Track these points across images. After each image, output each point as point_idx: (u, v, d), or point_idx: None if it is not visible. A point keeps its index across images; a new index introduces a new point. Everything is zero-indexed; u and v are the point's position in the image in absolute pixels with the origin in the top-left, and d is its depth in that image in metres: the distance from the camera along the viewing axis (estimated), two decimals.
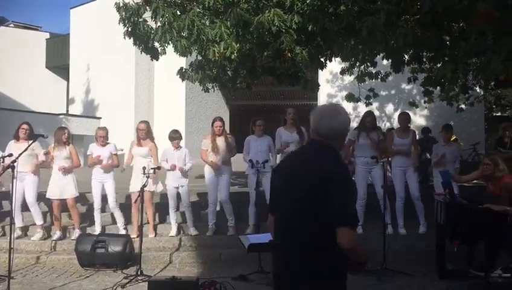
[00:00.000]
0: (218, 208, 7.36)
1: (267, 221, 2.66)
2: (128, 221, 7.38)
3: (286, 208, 2.38)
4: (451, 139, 7.81)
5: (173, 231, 7.22)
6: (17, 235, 7.18)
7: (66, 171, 7.05)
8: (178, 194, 7.20)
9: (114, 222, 7.49)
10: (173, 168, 7.05)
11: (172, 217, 7.25)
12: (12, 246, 5.09)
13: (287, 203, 2.37)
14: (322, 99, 17.80)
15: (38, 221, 7.17)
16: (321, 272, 2.29)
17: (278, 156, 7.36)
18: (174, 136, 7.22)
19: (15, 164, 5.40)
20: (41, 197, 7.51)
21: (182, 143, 7.48)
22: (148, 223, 7.20)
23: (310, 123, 2.46)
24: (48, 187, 7.14)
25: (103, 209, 7.42)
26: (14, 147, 6.80)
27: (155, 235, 7.18)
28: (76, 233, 7.10)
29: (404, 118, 7.34)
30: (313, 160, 2.33)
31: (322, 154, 2.36)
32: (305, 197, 2.27)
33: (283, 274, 2.40)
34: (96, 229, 7.16)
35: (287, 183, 2.40)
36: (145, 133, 7.17)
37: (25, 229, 7.41)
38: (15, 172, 5.39)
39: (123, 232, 7.08)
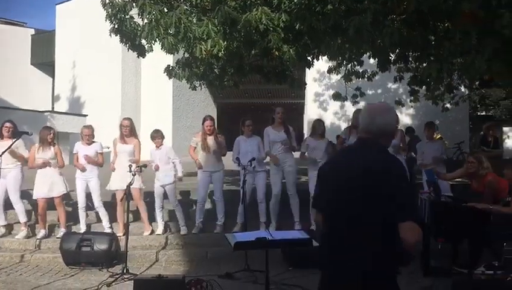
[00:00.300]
0: (207, 206, 7.36)
1: (315, 216, 2.69)
2: (113, 219, 7.33)
3: (342, 205, 2.41)
4: (437, 137, 7.90)
5: (159, 229, 7.19)
6: (1, 233, 7.12)
7: (46, 165, 6.96)
8: (164, 193, 7.18)
9: (99, 220, 7.43)
10: (156, 168, 7.05)
11: (159, 215, 7.23)
12: None
13: (343, 200, 2.39)
14: (309, 98, 17.89)
15: (22, 218, 7.10)
16: (377, 267, 2.32)
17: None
18: (155, 135, 7.21)
19: None
20: (25, 194, 7.44)
21: (169, 141, 7.46)
22: (141, 220, 7.18)
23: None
24: (34, 186, 7.06)
25: (89, 208, 7.36)
26: None
27: (151, 233, 7.14)
28: (61, 232, 7.04)
29: None
30: (371, 159, 2.37)
31: (376, 152, 2.41)
32: (365, 194, 2.29)
33: (337, 269, 2.45)
34: (81, 228, 7.11)
35: (343, 182, 2.42)
36: (129, 130, 7.13)
37: (9, 228, 7.34)
38: None
39: (108, 231, 7.03)
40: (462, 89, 13.14)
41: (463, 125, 17.07)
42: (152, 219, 7.49)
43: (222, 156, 7.30)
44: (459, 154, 14.37)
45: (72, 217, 7.53)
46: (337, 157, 2.80)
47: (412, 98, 11.94)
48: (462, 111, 16.36)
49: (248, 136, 7.27)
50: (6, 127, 7.02)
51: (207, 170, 7.17)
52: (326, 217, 2.54)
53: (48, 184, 6.99)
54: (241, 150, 7.17)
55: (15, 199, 7.06)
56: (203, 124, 7.20)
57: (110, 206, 7.41)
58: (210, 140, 7.13)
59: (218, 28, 6.12)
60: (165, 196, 7.23)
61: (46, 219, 7.17)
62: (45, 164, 6.97)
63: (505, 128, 18.39)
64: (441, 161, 7.16)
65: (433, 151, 7.23)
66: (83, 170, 7.04)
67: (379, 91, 16.73)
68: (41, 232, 7.09)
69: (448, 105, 12.83)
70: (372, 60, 8.57)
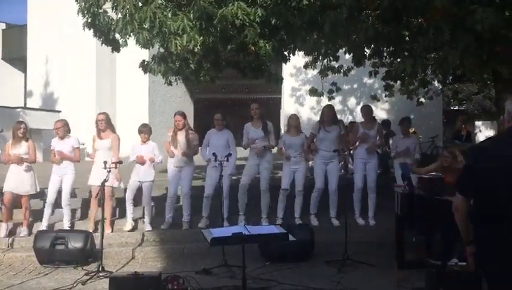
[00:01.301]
0: (181, 203, 7.32)
1: (457, 201, 2.77)
2: (83, 217, 7.21)
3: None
4: (411, 132, 8.02)
5: (128, 225, 7.09)
6: None
7: (18, 161, 6.82)
8: (139, 189, 7.10)
9: (73, 218, 7.33)
10: (139, 160, 6.95)
11: (129, 211, 7.12)
12: None
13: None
14: (286, 92, 17.93)
15: None
16: None
17: (247, 151, 7.38)
18: (142, 129, 7.14)
19: None
20: None
21: None
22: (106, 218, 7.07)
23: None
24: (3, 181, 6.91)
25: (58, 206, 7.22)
26: None
27: (111, 231, 7.04)
28: (24, 231, 6.91)
29: (367, 111, 7.48)
30: None
31: None
32: None
33: None
34: (43, 225, 6.94)
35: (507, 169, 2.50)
36: (104, 124, 7.02)
37: None
38: None
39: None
40: (436, 83, 13.34)
41: (437, 120, 17.37)
42: (125, 215, 7.41)
43: (194, 154, 7.25)
44: (433, 148, 14.62)
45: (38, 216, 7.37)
46: (490, 147, 2.81)
47: (387, 92, 12.07)
48: (436, 105, 16.64)
49: (219, 130, 7.24)
50: None
51: (176, 165, 7.12)
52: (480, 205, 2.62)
53: (17, 180, 6.85)
54: (212, 143, 7.16)
55: None
56: (174, 119, 7.16)
57: (86, 203, 7.30)
58: (180, 135, 7.09)
59: (194, 22, 6.09)
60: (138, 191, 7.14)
61: (11, 214, 6.99)
62: (18, 161, 6.82)
63: (477, 123, 18.79)
64: (403, 155, 7.27)
65: (408, 145, 7.33)
66: (59, 163, 6.90)
67: (355, 86, 16.89)
68: (2, 227, 6.91)
69: (422, 99, 13.02)
70: (347, 55, 8.63)
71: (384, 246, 6.17)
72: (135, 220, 7.29)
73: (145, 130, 7.13)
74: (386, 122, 11.63)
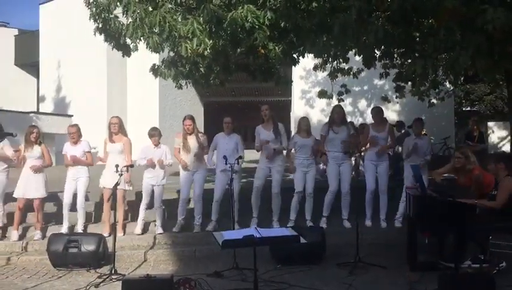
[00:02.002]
0: (191, 205, 7.35)
1: None
2: (97, 220, 7.27)
3: None
4: (422, 133, 7.96)
5: (138, 228, 7.11)
6: None
7: (36, 170, 6.92)
8: (153, 192, 7.15)
9: (87, 220, 7.40)
10: (149, 163, 6.99)
11: (141, 214, 7.16)
12: None
13: None
14: (296, 95, 17.91)
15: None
16: None
17: (253, 153, 7.38)
18: (153, 133, 7.15)
19: None
20: (9, 196, 7.35)
21: None
22: (118, 221, 7.12)
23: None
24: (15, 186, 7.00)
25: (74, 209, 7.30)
26: None
27: (124, 234, 7.08)
28: (37, 234, 6.99)
29: (377, 112, 7.45)
30: None
31: None
32: None
33: None
34: (64, 227, 7.03)
35: None
36: (117, 128, 7.07)
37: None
38: None
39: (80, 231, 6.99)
40: (447, 84, 13.25)
41: (449, 121, 17.22)
42: (135, 218, 7.46)
43: (204, 155, 7.28)
44: (445, 150, 14.51)
45: (59, 217, 7.45)
46: None
47: (398, 94, 12.02)
48: (448, 106, 16.51)
49: (227, 134, 7.26)
50: None
51: (190, 168, 7.14)
52: None
53: (28, 185, 6.93)
54: (220, 147, 7.16)
55: None
56: (183, 123, 7.18)
57: (100, 207, 7.36)
58: (191, 140, 7.11)
59: (204, 26, 6.11)
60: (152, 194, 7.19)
61: (20, 220, 7.08)
62: (33, 168, 6.92)
63: (490, 123, 18.59)
64: (415, 153, 7.23)
65: (420, 147, 7.29)
66: (73, 164, 6.98)
67: (365, 88, 16.82)
68: (12, 234, 6.98)
69: (434, 100, 12.93)
70: (357, 57, 8.62)
71: (395, 248, 6.14)
72: (147, 223, 7.32)
73: (156, 134, 7.15)
74: (402, 124, 11.54)
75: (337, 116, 7.23)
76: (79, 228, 7.10)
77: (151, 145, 7.15)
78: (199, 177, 7.17)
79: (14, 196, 7.05)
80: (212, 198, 7.25)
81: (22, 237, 7.09)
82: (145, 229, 7.22)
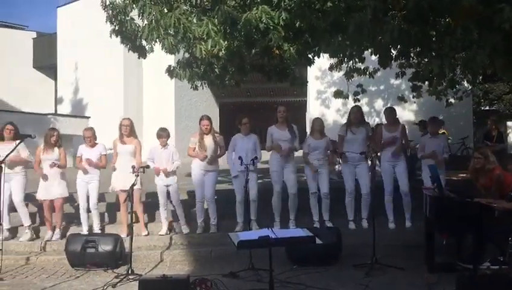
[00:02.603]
0: (206, 206, 7.38)
1: None
2: (112, 221, 7.35)
3: None
4: (440, 132, 7.87)
5: (163, 229, 7.20)
6: (5, 236, 7.14)
7: (53, 166, 7.01)
8: (168, 192, 7.19)
9: (102, 221, 7.50)
10: (156, 172, 7.06)
11: (163, 215, 7.24)
12: (1, 248, 5.08)
13: None
14: (312, 95, 17.87)
15: (26, 222, 7.15)
16: None
17: (269, 153, 7.37)
18: (162, 133, 7.20)
19: (2, 165, 5.38)
20: (29, 197, 7.47)
21: (172, 141, 7.48)
22: (138, 221, 7.19)
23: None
24: (38, 188, 7.12)
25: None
26: None
27: (147, 234, 7.16)
28: (57, 234, 7.11)
29: (389, 113, 7.38)
30: None
31: None
32: None
33: None
34: (83, 229, 7.13)
35: None
36: (129, 130, 7.14)
37: (13, 231, 7.37)
38: (2, 173, 5.35)
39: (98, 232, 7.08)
40: (465, 83, 13.09)
41: (467, 120, 17.01)
42: (152, 219, 7.52)
43: (220, 156, 7.30)
44: (463, 150, 14.32)
45: (76, 218, 7.57)
46: None
47: (415, 93, 11.90)
48: (466, 106, 16.31)
49: (245, 134, 7.26)
50: (8, 129, 7.04)
51: (202, 169, 7.15)
52: None
53: (48, 186, 7.03)
54: (238, 147, 7.16)
55: (18, 202, 7.10)
56: (200, 123, 7.21)
57: (114, 208, 7.44)
58: (207, 140, 7.13)
59: (218, 27, 6.12)
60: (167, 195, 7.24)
61: (51, 220, 7.20)
62: (52, 166, 7.02)
63: (509, 123, 18.29)
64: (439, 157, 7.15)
65: (435, 146, 7.21)
66: (85, 172, 7.07)
67: (381, 87, 16.70)
68: (48, 234, 7.12)
69: (451, 100, 12.78)
70: (373, 57, 8.56)
71: (413, 249, 6.09)
72: (155, 224, 7.40)
73: (164, 134, 7.20)
74: (423, 123, 11.39)
75: (354, 117, 7.19)
76: (95, 228, 7.19)
77: (159, 146, 7.19)
78: (210, 178, 7.18)
79: (37, 198, 7.17)
80: (227, 199, 7.26)
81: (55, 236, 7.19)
82: (150, 232, 7.27)
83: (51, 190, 7.06)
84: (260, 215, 7.24)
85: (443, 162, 7.11)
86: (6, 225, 7.08)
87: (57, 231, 7.15)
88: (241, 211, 7.09)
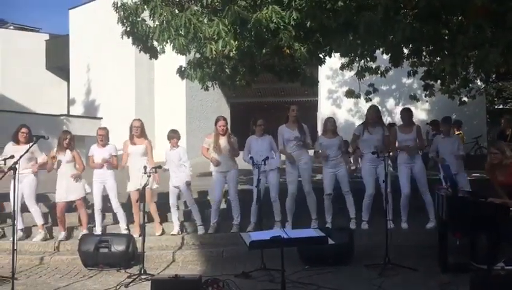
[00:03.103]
0: (222, 206, 7.40)
1: None
2: (130, 221, 7.40)
3: None
4: (455, 133, 7.80)
5: (175, 229, 7.23)
6: (19, 236, 7.22)
7: (77, 177, 7.15)
8: (179, 193, 7.22)
9: (116, 222, 7.55)
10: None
11: (174, 215, 7.27)
12: (15, 248, 5.13)
13: None
14: (323, 95, 17.79)
15: (39, 221, 7.23)
16: None
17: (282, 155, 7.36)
18: (172, 135, 7.25)
19: (17, 166, 5.43)
20: (41, 197, 7.54)
21: (183, 142, 7.52)
22: (153, 221, 7.23)
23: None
24: (51, 189, 7.20)
25: (106, 210, 7.45)
26: (12, 150, 6.75)
27: (162, 233, 7.18)
28: (82, 233, 7.15)
29: (405, 114, 7.32)
30: None
31: None
32: None
33: None
34: (97, 230, 7.20)
35: None
36: (140, 131, 7.19)
37: (27, 231, 7.45)
38: (16, 174, 5.41)
39: (125, 232, 7.10)
40: (479, 82, 12.94)
41: (480, 119, 16.81)
42: (165, 219, 7.55)
43: (235, 156, 7.31)
44: (477, 149, 14.17)
45: (91, 220, 7.62)
46: None
47: (427, 92, 11.79)
48: (479, 105, 16.11)
49: (259, 136, 7.26)
50: (23, 132, 7.14)
51: (221, 170, 7.18)
52: None
53: (66, 187, 7.10)
54: (253, 149, 7.16)
55: (30, 203, 7.19)
56: (216, 124, 7.22)
57: (127, 207, 7.49)
58: (223, 140, 7.15)
59: (229, 27, 6.13)
60: (179, 196, 7.27)
61: (65, 221, 7.27)
62: (74, 176, 7.12)
63: None
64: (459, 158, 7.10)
65: (449, 147, 7.14)
66: (99, 167, 7.13)
67: (393, 86, 16.57)
68: (61, 235, 7.21)
69: (464, 99, 12.65)
70: (385, 56, 8.51)
71: (425, 249, 6.04)
72: (166, 224, 7.42)
73: (174, 136, 7.25)
74: (435, 123, 11.29)
75: (370, 117, 7.16)
76: (122, 229, 7.28)
77: (169, 147, 7.24)
78: (232, 177, 7.20)
79: (56, 201, 7.26)
80: (243, 199, 7.26)
81: (68, 237, 7.34)
82: (162, 232, 7.29)
83: (67, 191, 7.14)
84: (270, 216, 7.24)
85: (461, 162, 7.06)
86: (20, 225, 7.17)
87: (84, 230, 7.21)
88: (256, 211, 7.07)
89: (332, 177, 7.15)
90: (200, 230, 7.20)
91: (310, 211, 7.18)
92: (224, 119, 7.32)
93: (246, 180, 9.08)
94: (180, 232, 7.23)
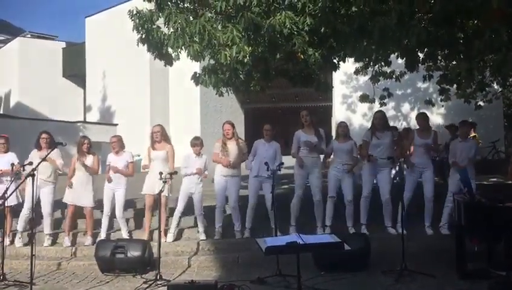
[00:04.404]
0: (228, 211, 7.39)
1: None
2: (138, 226, 7.47)
3: None
4: (471, 135, 7.72)
5: (170, 236, 7.17)
6: (47, 243, 7.30)
7: (88, 167, 7.24)
8: (190, 200, 7.20)
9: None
10: (199, 172, 7.10)
11: (175, 221, 7.19)
12: (33, 253, 5.19)
13: None
14: (337, 100, 17.74)
15: (47, 230, 7.31)
16: None
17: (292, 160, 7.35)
18: (195, 142, 7.26)
19: (35, 172, 5.52)
20: (58, 204, 7.61)
21: None
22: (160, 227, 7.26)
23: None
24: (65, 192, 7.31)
25: (114, 215, 7.49)
26: (36, 156, 6.91)
27: (165, 241, 7.19)
28: (88, 240, 7.27)
29: (421, 118, 7.27)
30: None
31: None
32: None
33: None
34: (101, 235, 7.24)
35: None
36: (160, 136, 7.23)
37: (54, 236, 7.54)
38: (35, 180, 5.50)
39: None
40: (495, 86, 12.79)
41: (497, 124, 16.59)
42: (178, 225, 7.55)
43: (243, 161, 7.32)
44: (494, 153, 13.99)
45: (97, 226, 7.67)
46: None
47: (443, 97, 11.69)
48: (496, 109, 15.90)
49: (267, 141, 7.26)
50: (44, 138, 7.25)
51: (225, 174, 7.18)
52: None
53: (78, 193, 7.20)
54: (258, 153, 7.16)
55: (47, 212, 7.27)
56: (222, 128, 7.26)
57: (142, 213, 7.55)
58: (230, 144, 7.17)
59: (243, 33, 6.16)
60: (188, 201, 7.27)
61: (72, 226, 7.38)
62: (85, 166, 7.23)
63: None
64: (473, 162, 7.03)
65: (466, 150, 7.07)
66: (109, 180, 7.23)
67: (408, 91, 16.46)
68: (65, 240, 7.30)
69: (481, 103, 12.51)
70: (400, 60, 8.47)
71: (442, 255, 5.97)
72: (181, 230, 7.45)
73: (198, 143, 7.27)
74: (452, 126, 11.16)
75: (377, 123, 7.14)
76: (124, 236, 7.29)
77: (193, 154, 7.24)
78: (233, 184, 7.19)
79: (64, 201, 7.33)
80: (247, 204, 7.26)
81: (73, 243, 7.37)
82: (177, 237, 7.30)
83: (79, 196, 7.23)
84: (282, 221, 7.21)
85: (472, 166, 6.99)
86: (47, 231, 7.29)
87: (89, 237, 7.29)
88: (251, 216, 7.15)
89: (337, 181, 7.14)
90: (202, 237, 7.17)
91: (316, 218, 7.16)
92: (230, 123, 7.34)
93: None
94: (175, 239, 7.20)
